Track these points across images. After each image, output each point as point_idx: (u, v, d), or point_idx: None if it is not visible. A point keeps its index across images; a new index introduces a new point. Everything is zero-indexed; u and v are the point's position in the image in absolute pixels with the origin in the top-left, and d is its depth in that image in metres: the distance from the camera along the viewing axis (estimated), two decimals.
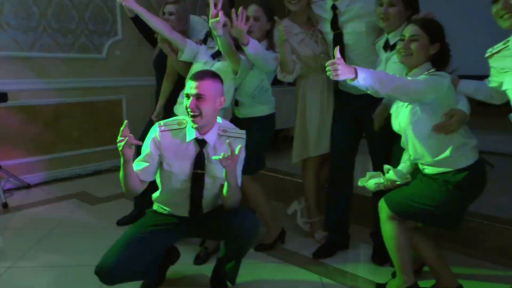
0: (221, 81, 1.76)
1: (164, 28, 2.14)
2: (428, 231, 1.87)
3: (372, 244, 2.26)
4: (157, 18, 2.15)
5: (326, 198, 2.36)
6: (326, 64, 1.43)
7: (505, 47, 1.54)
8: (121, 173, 1.65)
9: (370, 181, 1.90)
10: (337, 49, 1.46)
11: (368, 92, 1.51)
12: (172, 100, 2.38)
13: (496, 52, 1.58)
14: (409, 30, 1.65)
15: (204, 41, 2.35)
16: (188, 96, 1.69)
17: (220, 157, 1.57)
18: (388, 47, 1.93)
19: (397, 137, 1.81)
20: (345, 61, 1.46)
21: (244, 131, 1.82)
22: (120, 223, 2.65)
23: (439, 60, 1.66)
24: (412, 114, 1.64)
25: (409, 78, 1.62)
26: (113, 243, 1.70)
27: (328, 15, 2.19)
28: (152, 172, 1.75)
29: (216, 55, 2.18)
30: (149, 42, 2.80)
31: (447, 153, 1.61)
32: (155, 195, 1.85)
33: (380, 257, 2.16)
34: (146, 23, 2.13)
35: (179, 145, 1.72)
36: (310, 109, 2.31)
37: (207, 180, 1.74)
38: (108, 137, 3.78)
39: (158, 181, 1.82)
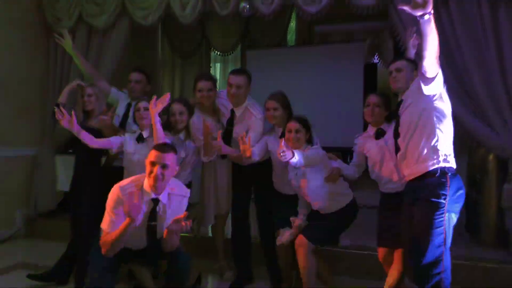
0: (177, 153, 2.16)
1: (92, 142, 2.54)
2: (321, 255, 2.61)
3: (268, 274, 2.84)
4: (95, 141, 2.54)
5: (231, 245, 2.90)
6: (277, 152, 2.13)
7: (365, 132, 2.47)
8: (119, 235, 1.96)
9: (284, 236, 2.46)
10: (282, 140, 2.13)
11: (296, 163, 2.22)
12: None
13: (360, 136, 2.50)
14: (294, 126, 2.39)
15: (126, 114, 2.95)
16: (153, 163, 2.01)
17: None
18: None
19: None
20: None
21: (188, 190, 2.24)
22: (31, 277, 2.74)
23: (310, 140, 2.47)
24: (310, 177, 2.39)
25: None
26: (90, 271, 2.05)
27: (228, 115, 2.77)
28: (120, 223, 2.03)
29: (140, 139, 2.61)
30: None
31: (340, 196, 2.44)
32: None
33: (278, 281, 2.77)
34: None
35: (137, 203, 2.01)
36: (221, 179, 2.86)
37: (158, 229, 2.12)
38: None
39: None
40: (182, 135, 2.65)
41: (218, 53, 5.79)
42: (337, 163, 2.44)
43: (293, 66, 5.26)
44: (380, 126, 2.36)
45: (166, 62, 5.92)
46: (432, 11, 1.71)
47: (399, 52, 3.20)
